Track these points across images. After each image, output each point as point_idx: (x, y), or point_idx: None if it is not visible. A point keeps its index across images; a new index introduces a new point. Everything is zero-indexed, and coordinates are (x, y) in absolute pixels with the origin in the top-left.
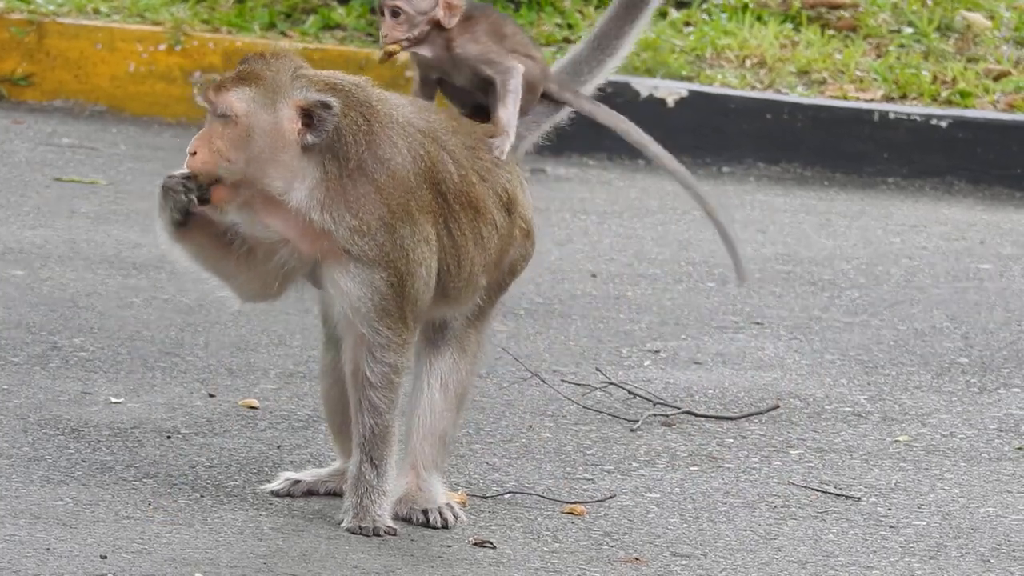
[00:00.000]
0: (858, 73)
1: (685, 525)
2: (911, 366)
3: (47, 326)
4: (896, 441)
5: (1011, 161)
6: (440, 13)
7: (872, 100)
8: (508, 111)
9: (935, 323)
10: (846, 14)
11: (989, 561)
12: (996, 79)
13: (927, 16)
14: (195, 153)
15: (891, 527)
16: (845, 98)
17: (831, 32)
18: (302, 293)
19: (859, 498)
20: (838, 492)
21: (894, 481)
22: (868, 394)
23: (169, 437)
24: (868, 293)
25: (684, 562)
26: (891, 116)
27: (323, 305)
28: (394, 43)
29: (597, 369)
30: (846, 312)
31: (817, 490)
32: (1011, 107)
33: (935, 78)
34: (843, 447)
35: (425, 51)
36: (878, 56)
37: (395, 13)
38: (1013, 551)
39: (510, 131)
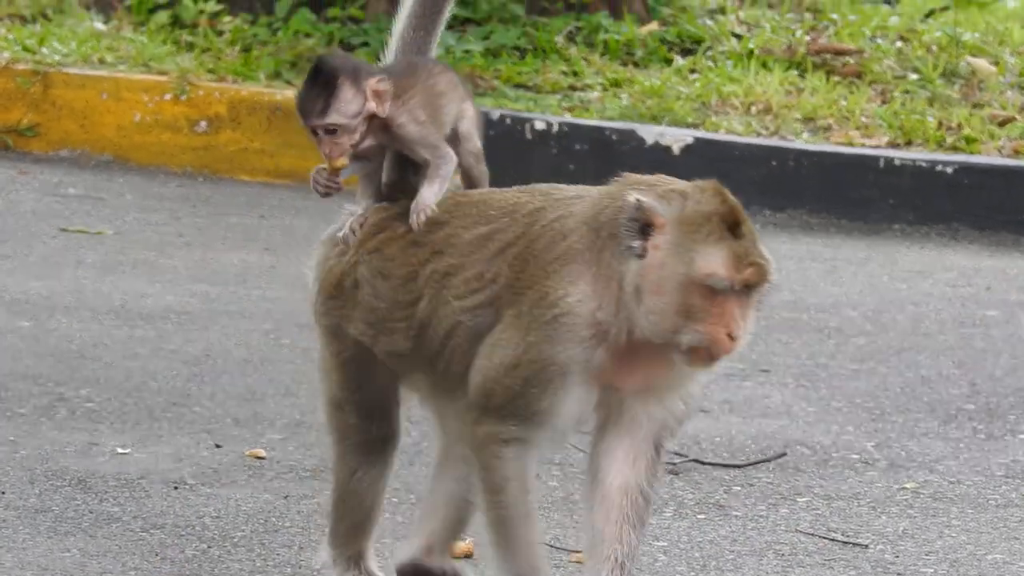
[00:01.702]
0: (863, 119)
1: (692, 573)
2: (918, 413)
3: (53, 377)
4: (903, 488)
5: (1017, 207)
6: (372, 106)
7: (877, 146)
8: (434, 192)
9: (942, 370)
10: (851, 60)
11: None
12: (1001, 125)
13: (932, 62)
14: (736, 337)
15: (898, 574)
16: (850, 144)
17: (836, 79)
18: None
19: (867, 545)
20: (845, 540)
21: (901, 528)
22: (875, 441)
23: (176, 487)
24: (875, 340)
25: None
26: (896, 162)
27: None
28: (340, 156)
29: None
30: (853, 359)
31: (824, 538)
32: (1016, 153)
33: (940, 124)
34: (850, 494)
35: (368, 142)
36: (883, 102)
37: (331, 131)
38: None
39: (430, 209)
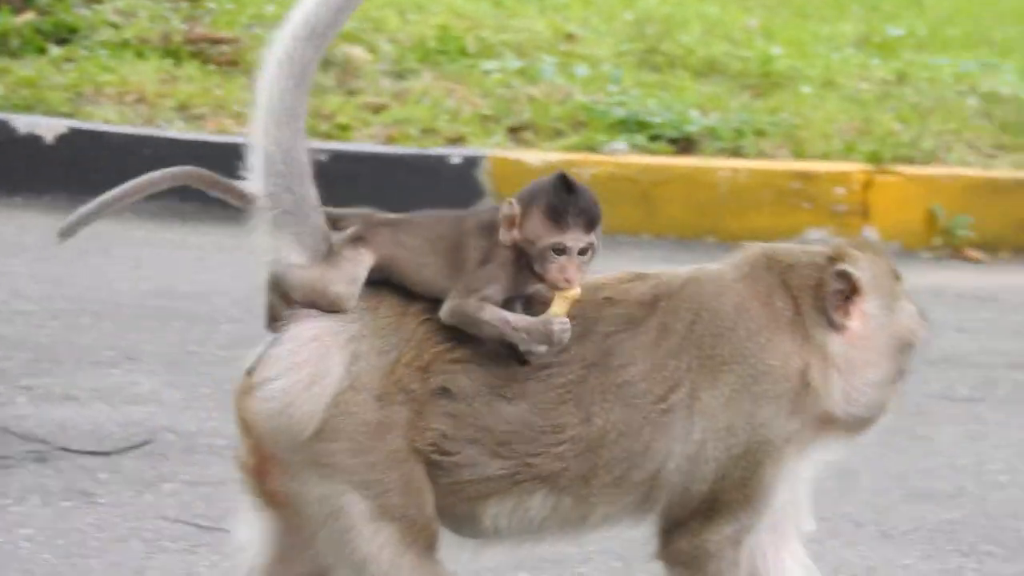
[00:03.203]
0: (238, 108)
1: (57, 561)
2: None
3: None
4: None
5: (389, 194)
6: None
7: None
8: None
9: None
10: (227, 49)
11: None
12: (375, 112)
13: None
14: None
15: None
16: (225, 132)
17: (212, 67)
18: None
19: (230, 531)
20: (210, 525)
21: None
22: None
23: None
24: (244, 327)
25: None
26: None
27: None
28: (579, 283)
29: None
30: (221, 346)
31: (189, 523)
32: (390, 140)
33: (315, 112)
34: (216, 480)
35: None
36: None
37: (584, 251)
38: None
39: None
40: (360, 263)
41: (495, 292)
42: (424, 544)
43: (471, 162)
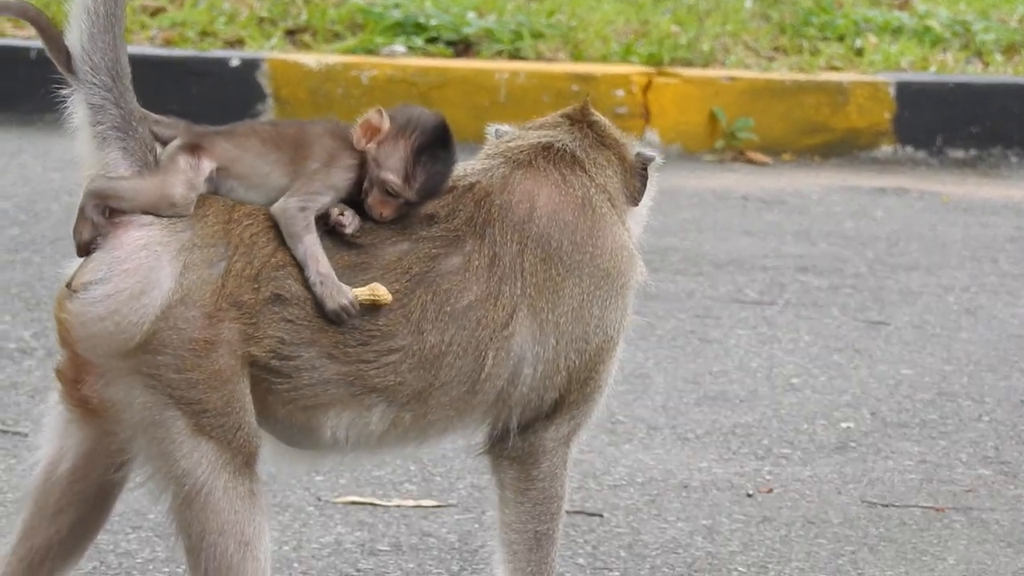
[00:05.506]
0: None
1: None
2: None
3: None
4: None
5: (169, 97)
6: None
7: (29, 38)
8: None
9: None
10: None
11: None
12: (152, 15)
13: None
14: None
15: None
16: (3, 35)
17: None
18: None
19: (27, 434)
20: (6, 428)
21: None
22: (32, 330)
23: None
24: (29, 230)
25: None
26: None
27: None
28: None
29: None
30: (7, 250)
31: None
32: (168, 43)
33: None
34: (9, 384)
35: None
36: None
37: (390, 191)
38: None
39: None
40: (199, 170)
41: (329, 197)
42: (242, 461)
43: (250, 65)
